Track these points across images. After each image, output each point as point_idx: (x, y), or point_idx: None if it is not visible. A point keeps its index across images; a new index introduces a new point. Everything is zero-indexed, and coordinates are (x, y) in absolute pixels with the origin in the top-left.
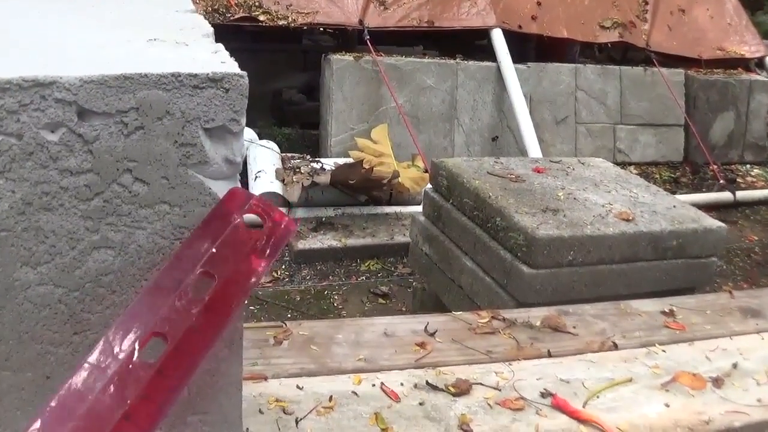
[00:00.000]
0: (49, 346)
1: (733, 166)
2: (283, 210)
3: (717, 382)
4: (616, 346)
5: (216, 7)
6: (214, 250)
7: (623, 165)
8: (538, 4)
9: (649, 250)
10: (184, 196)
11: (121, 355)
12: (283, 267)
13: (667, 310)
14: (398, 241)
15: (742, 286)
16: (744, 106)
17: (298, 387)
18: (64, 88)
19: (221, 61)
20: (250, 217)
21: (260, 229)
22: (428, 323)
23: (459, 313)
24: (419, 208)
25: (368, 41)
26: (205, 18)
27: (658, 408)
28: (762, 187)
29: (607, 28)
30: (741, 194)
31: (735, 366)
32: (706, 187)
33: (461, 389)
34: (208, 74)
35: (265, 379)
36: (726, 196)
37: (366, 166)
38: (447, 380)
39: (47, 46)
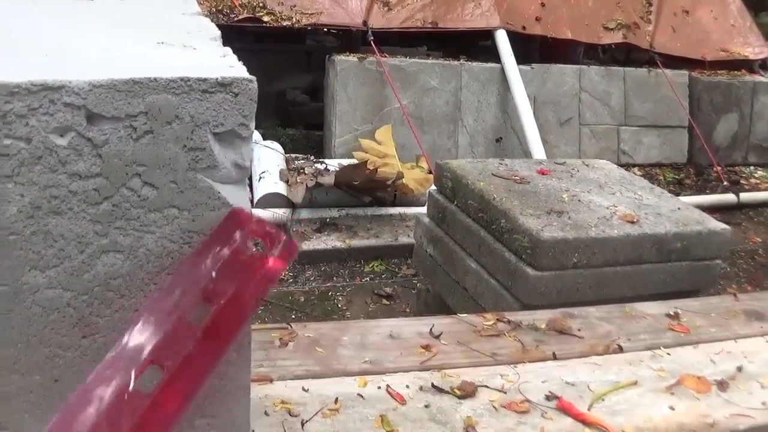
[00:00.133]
0: (57, 349)
1: (736, 167)
2: (287, 210)
3: (722, 385)
4: (621, 349)
5: (220, 7)
6: (214, 274)
7: (627, 166)
8: (542, 5)
9: (654, 252)
10: (193, 201)
11: (117, 385)
12: (287, 268)
13: (671, 313)
14: (402, 242)
15: (746, 288)
16: (748, 108)
17: (303, 389)
18: (73, 93)
19: (230, 65)
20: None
21: (262, 251)
22: (433, 325)
23: (464, 315)
24: (423, 209)
25: (372, 42)
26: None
27: (663, 411)
28: (766, 189)
29: (611, 29)
30: (745, 196)
31: (740, 369)
32: (710, 189)
33: (467, 392)
34: (217, 79)
35: (271, 380)
36: (730, 197)
37: (370, 167)
38: (452, 383)
39: (55, 50)
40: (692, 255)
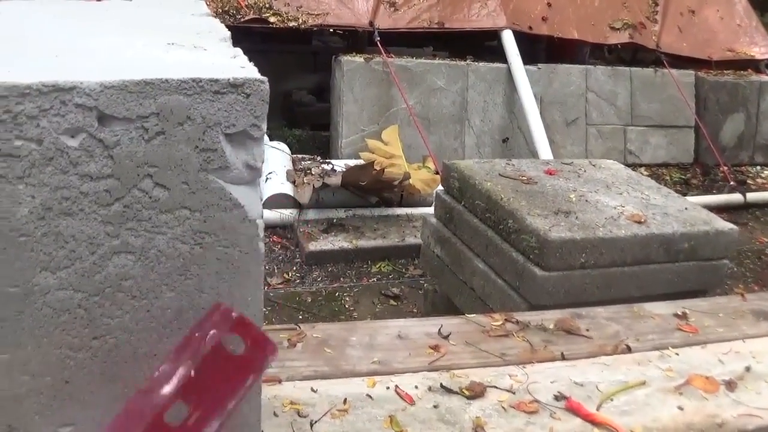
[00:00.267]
0: (68, 350)
1: (743, 167)
2: (294, 211)
3: (730, 385)
4: (629, 349)
5: (227, 8)
6: (192, 373)
7: (634, 166)
8: (549, 5)
9: (661, 252)
10: (204, 202)
11: None
12: (294, 269)
13: (679, 313)
14: (409, 243)
15: (753, 288)
16: (754, 108)
17: (312, 390)
18: (85, 94)
19: (241, 66)
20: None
21: (241, 352)
22: (442, 326)
23: (472, 315)
24: (430, 210)
25: (378, 42)
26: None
27: (672, 411)
28: None
29: (618, 29)
30: (751, 196)
31: (748, 369)
32: (717, 189)
33: (475, 392)
34: (228, 80)
35: (280, 381)
36: (736, 197)
37: (377, 167)
38: (461, 383)
39: (66, 51)
40: (699, 255)
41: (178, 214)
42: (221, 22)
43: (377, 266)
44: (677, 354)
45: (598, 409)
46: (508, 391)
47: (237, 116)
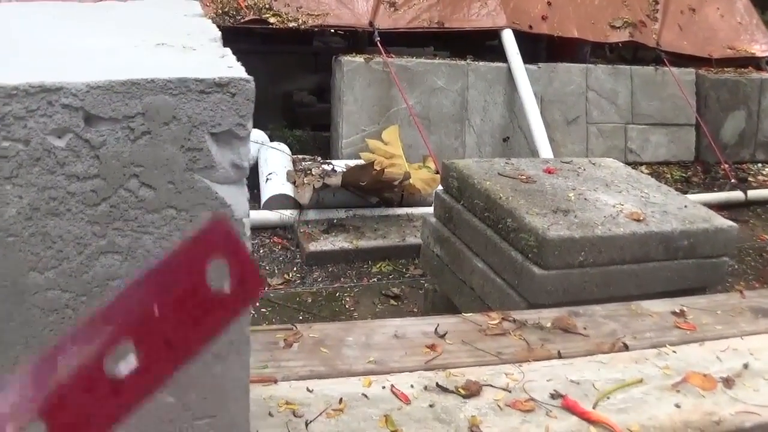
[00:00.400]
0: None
1: (744, 165)
2: (294, 212)
3: (728, 382)
4: (626, 347)
5: (226, 9)
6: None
7: (634, 165)
8: (549, 4)
9: (660, 250)
10: (191, 201)
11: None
12: (295, 269)
13: (677, 311)
14: (410, 243)
15: (754, 285)
16: (755, 105)
17: (308, 389)
18: (71, 94)
19: (228, 66)
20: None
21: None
22: (438, 325)
23: (469, 314)
24: (430, 210)
25: (378, 43)
26: (215, 20)
27: (669, 409)
28: None
29: (618, 27)
30: (752, 193)
31: (746, 366)
32: (718, 187)
33: (471, 391)
34: (214, 79)
35: (275, 381)
36: (737, 195)
37: (377, 167)
38: (457, 382)
39: (55, 52)
40: (699, 253)
41: (164, 214)
42: (221, 23)
43: (378, 266)
44: (675, 352)
45: (594, 408)
46: (504, 389)
47: (222, 115)
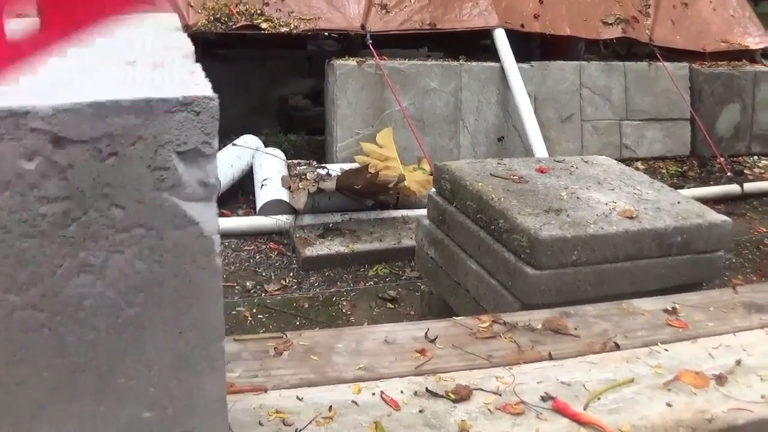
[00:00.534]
0: (35, 369)
1: (740, 158)
2: (290, 217)
3: (720, 379)
4: (618, 347)
5: (218, 15)
6: None
7: (630, 161)
8: (541, 2)
9: (654, 246)
10: (159, 219)
11: None
12: (291, 274)
13: (669, 308)
14: (406, 245)
15: (752, 279)
16: (750, 98)
17: (298, 398)
18: (39, 118)
19: (195, 83)
20: None
21: None
22: (428, 329)
23: (459, 318)
24: (425, 212)
25: (371, 45)
26: (207, 27)
27: (660, 408)
28: None
29: (610, 24)
30: (749, 186)
31: (738, 363)
32: (714, 180)
33: (461, 395)
34: (178, 98)
35: (265, 390)
36: (734, 188)
37: (371, 170)
38: (447, 386)
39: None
40: (693, 248)
41: (134, 233)
42: (213, 29)
43: (374, 269)
44: (666, 350)
45: (585, 409)
46: (494, 393)
47: (188, 134)
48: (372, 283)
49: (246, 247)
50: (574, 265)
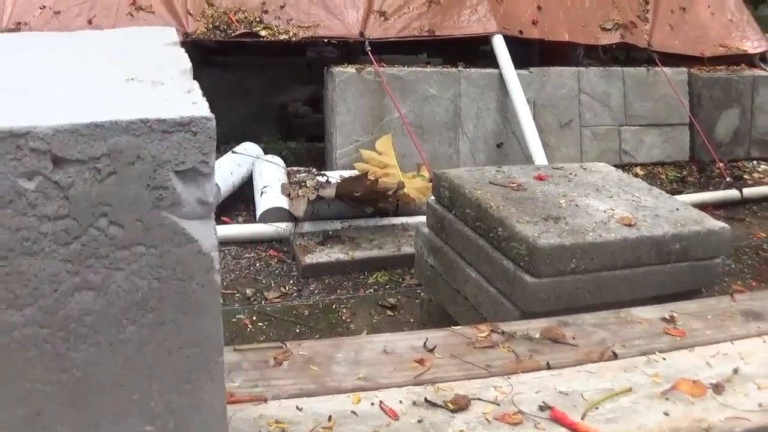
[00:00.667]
0: (37, 384)
1: (739, 162)
2: (290, 224)
3: (717, 388)
4: (615, 356)
5: (217, 23)
6: None
7: (629, 166)
8: (539, 8)
9: (653, 254)
10: (159, 237)
11: None
12: (291, 282)
13: (667, 317)
14: (405, 252)
15: (751, 284)
16: (748, 102)
17: (297, 408)
18: (38, 138)
19: (192, 102)
20: None
21: None
22: (427, 339)
23: (458, 327)
24: (425, 219)
25: (369, 52)
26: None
27: (658, 417)
28: None
29: (608, 29)
30: (748, 191)
31: (736, 371)
32: (713, 186)
33: (460, 405)
34: (176, 119)
35: (265, 400)
36: (733, 193)
37: (371, 177)
38: (446, 396)
39: (24, 90)
40: (691, 255)
41: (134, 251)
42: (212, 37)
43: (374, 277)
44: (664, 359)
45: (583, 418)
46: (492, 402)
47: (186, 154)
48: (372, 290)
49: (246, 255)
50: (572, 273)
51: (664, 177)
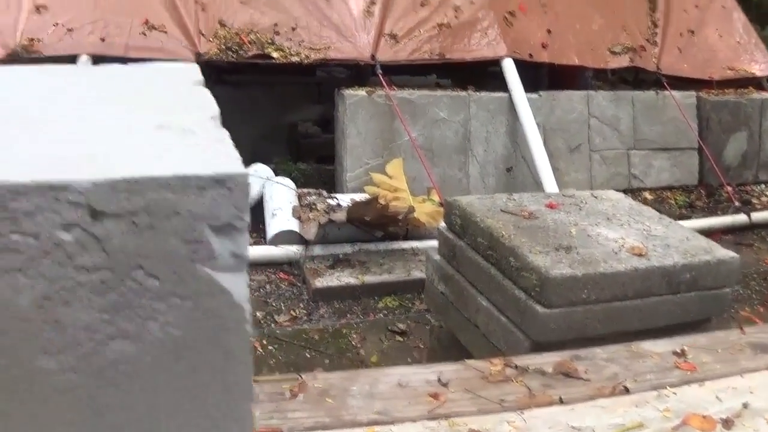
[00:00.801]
0: (70, 427)
1: (747, 186)
2: (300, 247)
3: (727, 423)
4: (627, 390)
5: (229, 45)
6: None
7: (638, 191)
8: (549, 32)
9: (663, 284)
10: (193, 289)
11: None
12: (301, 305)
13: (678, 351)
14: (415, 277)
15: (759, 310)
16: (756, 125)
17: None
18: (77, 191)
19: (226, 154)
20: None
21: None
22: (441, 373)
23: (471, 361)
24: (435, 243)
25: (380, 75)
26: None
27: None
28: None
29: (618, 53)
30: (756, 216)
31: (745, 405)
32: (722, 210)
33: None
34: (212, 176)
35: None
36: (742, 218)
37: (381, 202)
38: (460, 431)
39: (56, 140)
40: (701, 285)
41: (169, 302)
42: (225, 58)
43: (383, 301)
44: (675, 393)
45: None
46: None
47: (221, 209)
48: (381, 315)
49: (256, 277)
50: (584, 303)
51: (672, 201)
